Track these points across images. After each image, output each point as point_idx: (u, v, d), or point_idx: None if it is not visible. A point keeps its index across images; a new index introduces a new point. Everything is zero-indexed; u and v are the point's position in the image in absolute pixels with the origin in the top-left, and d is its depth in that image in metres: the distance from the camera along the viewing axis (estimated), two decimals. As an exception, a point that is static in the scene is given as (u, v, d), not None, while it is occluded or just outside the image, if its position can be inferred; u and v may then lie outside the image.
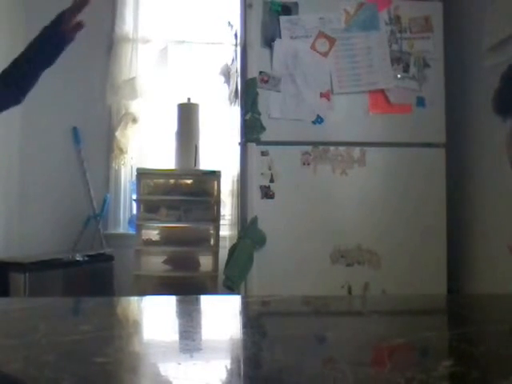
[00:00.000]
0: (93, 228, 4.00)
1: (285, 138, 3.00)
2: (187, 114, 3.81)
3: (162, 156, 4.03)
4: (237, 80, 3.17)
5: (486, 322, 1.00)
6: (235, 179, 3.32)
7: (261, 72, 3.00)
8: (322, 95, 3.03)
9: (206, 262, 3.66)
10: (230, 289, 2.91)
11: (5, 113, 3.79)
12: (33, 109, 3.98)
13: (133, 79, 3.92)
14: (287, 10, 3.02)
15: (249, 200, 2.97)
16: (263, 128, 2.97)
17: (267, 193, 2.97)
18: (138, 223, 3.58)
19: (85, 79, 3.98)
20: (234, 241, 3.04)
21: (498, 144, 1.24)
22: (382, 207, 3.05)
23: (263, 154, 2.97)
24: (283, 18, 3.02)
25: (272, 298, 1.19)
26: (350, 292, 2.99)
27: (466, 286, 3.07)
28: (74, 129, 4.01)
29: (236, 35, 3.22)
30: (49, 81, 3.93)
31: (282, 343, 0.82)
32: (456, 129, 3.15)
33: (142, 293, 3.41)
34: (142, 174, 3.61)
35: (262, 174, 2.97)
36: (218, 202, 3.64)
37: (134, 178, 3.75)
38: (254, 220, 2.95)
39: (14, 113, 3.97)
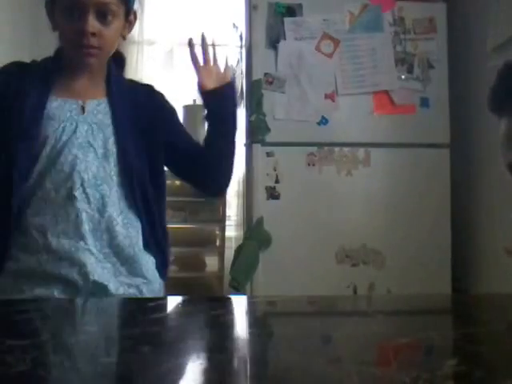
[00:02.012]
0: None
1: (290, 138, 3.00)
2: (193, 116, 3.81)
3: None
4: (242, 81, 3.18)
5: (490, 321, 1.00)
6: (241, 180, 3.33)
7: (266, 73, 3.00)
8: (326, 96, 3.03)
9: (212, 262, 3.67)
10: (236, 289, 2.92)
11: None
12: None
13: (138, 81, 3.93)
14: (292, 11, 3.03)
15: (254, 201, 2.98)
16: (268, 129, 2.97)
17: (272, 193, 2.98)
18: (143, 224, 3.58)
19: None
20: (240, 241, 3.05)
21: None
22: (387, 207, 3.05)
23: (268, 154, 2.98)
24: (288, 20, 3.02)
25: (278, 298, 1.19)
26: (355, 292, 2.99)
27: (471, 286, 3.07)
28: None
29: (241, 37, 3.23)
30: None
31: (288, 343, 0.82)
32: (460, 129, 3.15)
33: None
34: (148, 176, 3.61)
35: (267, 174, 2.98)
36: (223, 203, 3.65)
37: (140, 179, 3.75)
38: (260, 221, 2.95)
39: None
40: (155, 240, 1.62)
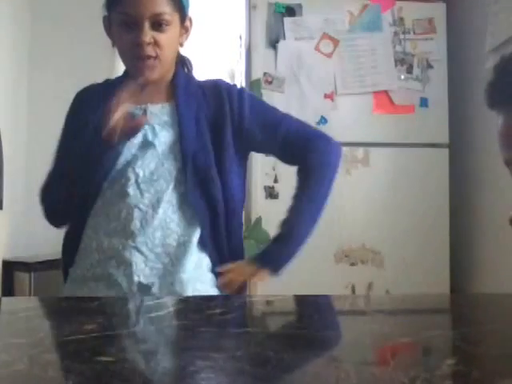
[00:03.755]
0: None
1: (289, 138, 3.00)
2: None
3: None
4: (241, 81, 3.18)
5: (488, 321, 1.00)
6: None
7: (265, 73, 3.00)
8: (325, 96, 3.03)
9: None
10: (235, 288, 2.92)
11: (11, 111, 3.81)
12: (39, 108, 3.99)
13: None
14: (291, 11, 3.03)
15: (253, 200, 2.98)
16: (267, 129, 2.97)
17: (271, 193, 2.98)
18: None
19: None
20: (239, 241, 3.05)
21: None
22: (386, 207, 3.05)
23: (267, 154, 2.98)
24: (287, 20, 3.02)
25: (276, 297, 1.19)
26: (353, 291, 2.99)
27: (469, 286, 3.07)
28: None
29: (240, 37, 3.23)
30: (56, 82, 3.95)
31: (286, 342, 0.82)
32: (459, 129, 3.15)
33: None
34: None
35: (266, 174, 2.97)
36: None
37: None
38: (258, 220, 2.95)
39: (20, 112, 3.99)
40: (216, 242, 1.55)
